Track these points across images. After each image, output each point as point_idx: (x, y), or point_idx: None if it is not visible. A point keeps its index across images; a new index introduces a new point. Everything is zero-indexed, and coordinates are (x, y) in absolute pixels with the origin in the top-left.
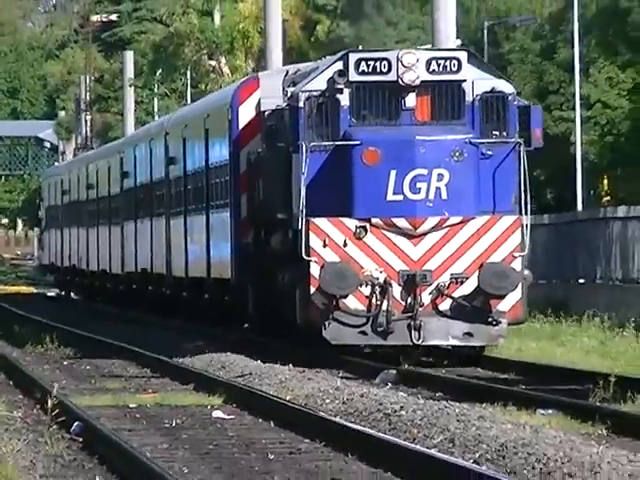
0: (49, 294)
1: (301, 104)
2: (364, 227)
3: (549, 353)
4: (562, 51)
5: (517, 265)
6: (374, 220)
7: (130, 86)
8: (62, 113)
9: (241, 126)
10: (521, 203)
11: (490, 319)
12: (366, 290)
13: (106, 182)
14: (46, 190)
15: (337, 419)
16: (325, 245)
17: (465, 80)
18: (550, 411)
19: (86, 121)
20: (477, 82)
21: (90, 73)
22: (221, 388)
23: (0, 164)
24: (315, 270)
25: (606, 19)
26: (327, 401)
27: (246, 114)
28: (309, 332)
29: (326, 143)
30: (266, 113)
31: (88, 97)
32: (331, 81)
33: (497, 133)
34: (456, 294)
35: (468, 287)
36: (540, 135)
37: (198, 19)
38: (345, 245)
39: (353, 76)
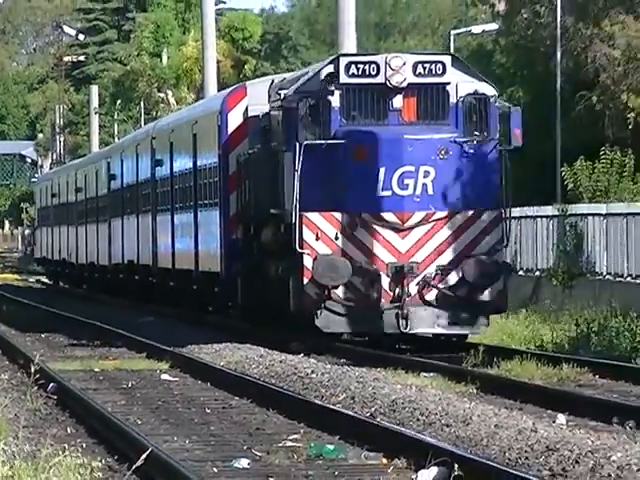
0: (34, 284)
1: (294, 105)
2: (355, 221)
3: None
4: None
5: (499, 257)
6: (364, 214)
7: (95, 113)
8: (41, 135)
9: (230, 131)
10: (502, 198)
11: (473, 309)
12: (356, 281)
13: (94, 184)
14: (38, 194)
15: (260, 380)
16: (318, 238)
17: (449, 83)
18: (432, 374)
19: (60, 141)
20: (461, 84)
21: (63, 103)
22: (168, 356)
23: None
24: (308, 262)
25: None
26: (253, 366)
27: (235, 120)
28: (301, 320)
29: (318, 142)
30: (260, 114)
31: (62, 122)
32: (323, 83)
33: (479, 133)
34: (441, 285)
35: (453, 278)
36: (519, 135)
37: (150, 60)
38: (336, 238)
39: (343, 78)
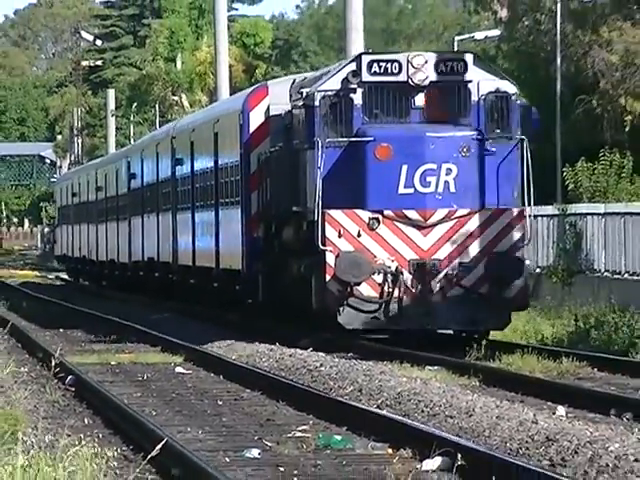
0: (54, 281)
1: (317, 103)
2: (377, 218)
3: None
4: None
5: (521, 255)
6: (386, 212)
7: (112, 116)
8: (59, 137)
9: (252, 130)
10: (524, 196)
11: (496, 306)
12: (379, 278)
13: (114, 183)
14: (58, 193)
15: (270, 373)
16: (340, 235)
17: (471, 81)
18: (436, 367)
19: (78, 143)
20: (482, 83)
21: (81, 106)
22: (182, 350)
23: (11, 176)
24: (330, 259)
25: None
26: (263, 359)
27: (256, 119)
28: (324, 317)
29: (341, 139)
30: (283, 113)
31: (79, 125)
32: (345, 81)
33: (500, 131)
34: (464, 282)
35: (475, 275)
36: (537, 133)
37: (164, 64)
38: (359, 235)
39: (366, 77)
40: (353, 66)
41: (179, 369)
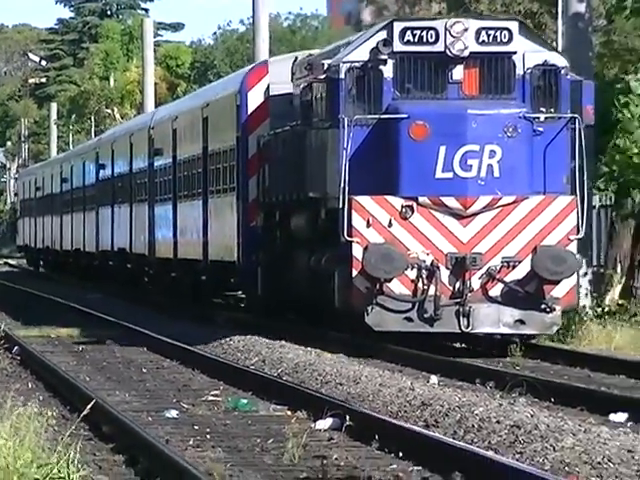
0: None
1: (342, 75)
2: (411, 206)
3: None
4: None
5: (573, 248)
6: (421, 199)
7: (54, 125)
8: (9, 143)
9: (250, 111)
10: (576, 183)
11: (544, 306)
12: (412, 274)
13: (81, 175)
14: (21, 187)
15: (187, 345)
16: (369, 225)
17: (516, 52)
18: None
19: (25, 149)
20: (528, 55)
21: (27, 117)
22: (114, 325)
23: None
24: (358, 252)
25: None
26: (183, 335)
27: (255, 99)
28: (348, 317)
29: (369, 117)
30: (301, 87)
31: (26, 132)
32: (374, 52)
33: (548, 109)
34: (508, 279)
35: (521, 271)
36: (591, 112)
37: (99, 82)
38: (390, 225)
39: (398, 46)
40: (384, 34)
41: (110, 342)
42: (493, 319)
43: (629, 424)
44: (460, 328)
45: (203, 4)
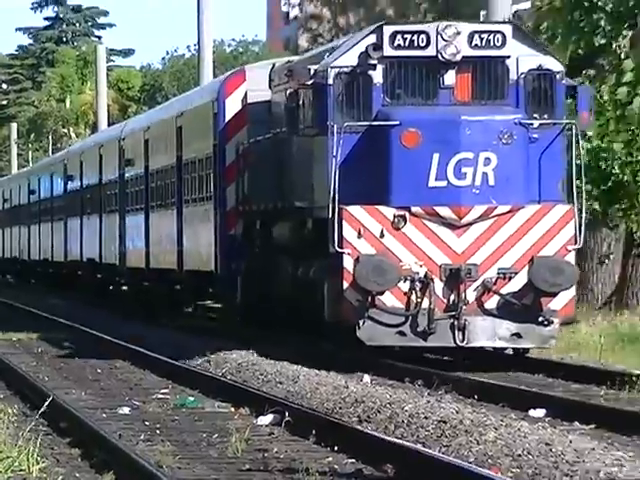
0: None
1: (330, 81)
2: (403, 216)
3: None
4: None
5: (571, 259)
6: (414, 209)
7: (14, 144)
8: None
9: (227, 118)
10: (573, 191)
11: (541, 319)
12: (405, 286)
13: (48, 187)
14: None
15: (138, 348)
16: (360, 236)
17: (509, 56)
18: None
19: None
20: (522, 59)
21: None
22: (68, 329)
23: None
24: (349, 263)
25: None
26: (135, 338)
27: (233, 106)
28: (338, 330)
29: (360, 123)
30: (282, 93)
31: None
32: (363, 56)
33: (543, 115)
34: (504, 291)
35: (517, 283)
36: (587, 117)
37: (56, 104)
38: (382, 236)
39: (388, 51)
40: (373, 38)
41: (66, 344)
42: (489, 333)
43: (547, 419)
44: (455, 342)
45: (152, 31)
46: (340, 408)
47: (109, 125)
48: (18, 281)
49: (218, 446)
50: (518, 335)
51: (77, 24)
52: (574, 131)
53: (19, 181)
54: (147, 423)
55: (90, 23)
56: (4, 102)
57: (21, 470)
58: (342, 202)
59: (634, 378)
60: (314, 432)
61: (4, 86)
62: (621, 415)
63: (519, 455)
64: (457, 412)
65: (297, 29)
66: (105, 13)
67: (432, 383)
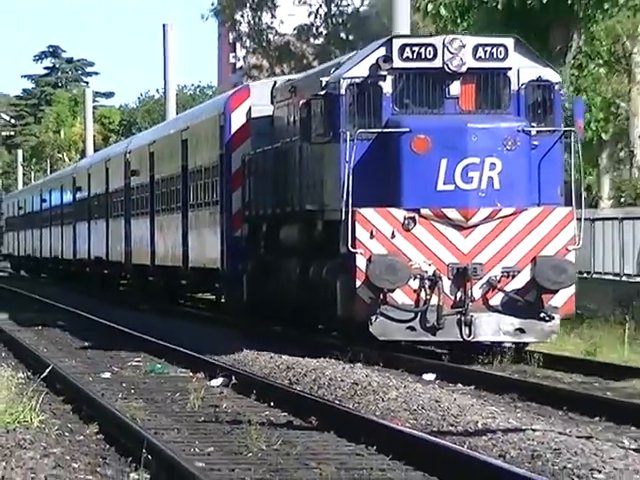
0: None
1: (342, 91)
2: (413, 218)
3: None
4: None
5: (571, 259)
6: (423, 211)
7: (20, 166)
8: None
9: (233, 131)
10: (573, 195)
11: (543, 314)
12: (414, 284)
13: (59, 196)
14: (6, 207)
15: (118, 325)
16: (372, 236)
17: (511, 68)
18: None
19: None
20: (523, 70)
21: (1, 160)
22: (63, 312)
23: None
24: (361, 262)
25: None
26: (118, 320)
27: (238, 120)
28: (351, 326)
29: (371, 131)
30: (300, 102)
31: (0, 171)
32: (374, 67)
33: (542, 123)
34: (508, 288)
35: (520, 281)
36: (582, 127)
37: (53, 135)
38: (393, 237)
39: (397, 62)
40: (383, 51)
41: (61, 322)
42: (494, 328)
43: (437, 382)
44: (462, 337)
45: (129, 78)
46: (275, 373)
47: (95, 151)
48: (31, 275)
49: (180, 403)
50: (521, 330)
51: (70, 72)
52: (573, 138)
53: (32, 192)
54: (124, 385)
55: (80, 71)
56: (12, 133)
57: (25, 421)
58: (354, 205)
59: (506, 350)
60: (255, 392)
61: (12, 121)
62: (494, 378)
63: (415, 410)
64: (366, 376)
65: (242, 76)
66: (92, 64)
67: (347, 354)
